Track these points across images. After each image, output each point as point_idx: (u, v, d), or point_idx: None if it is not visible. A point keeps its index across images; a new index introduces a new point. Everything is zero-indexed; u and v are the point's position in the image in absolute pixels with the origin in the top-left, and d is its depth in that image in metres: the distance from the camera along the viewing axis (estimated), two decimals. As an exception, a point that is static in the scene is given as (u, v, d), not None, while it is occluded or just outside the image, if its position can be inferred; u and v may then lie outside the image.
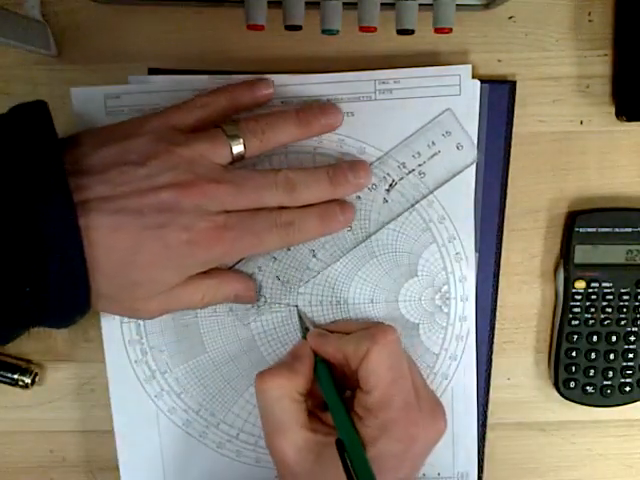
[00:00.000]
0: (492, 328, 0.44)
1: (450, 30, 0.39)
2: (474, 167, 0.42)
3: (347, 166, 0.41)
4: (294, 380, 0.39)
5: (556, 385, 0.45)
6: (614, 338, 0.44)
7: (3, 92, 0.43)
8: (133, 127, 0.38)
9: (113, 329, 0.43)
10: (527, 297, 0.46)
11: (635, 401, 0.45)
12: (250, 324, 0.43)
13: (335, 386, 0.39)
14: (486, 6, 0.42)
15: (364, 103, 0.42)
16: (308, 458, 0.38)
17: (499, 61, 0.44)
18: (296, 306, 0.43)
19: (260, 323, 0.43)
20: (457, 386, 0.44)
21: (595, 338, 0.44)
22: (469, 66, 0.41)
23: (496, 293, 0.44)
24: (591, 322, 0.44)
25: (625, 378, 0.45)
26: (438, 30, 0.39)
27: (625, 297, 0.44)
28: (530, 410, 0.46)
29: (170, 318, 0.43)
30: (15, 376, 0.44)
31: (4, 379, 0.44)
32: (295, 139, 0.40)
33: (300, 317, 0.43)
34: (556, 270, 0.45)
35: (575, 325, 0.44)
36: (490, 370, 0.45)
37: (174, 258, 0.36)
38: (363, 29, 0.39)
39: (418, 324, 0.43)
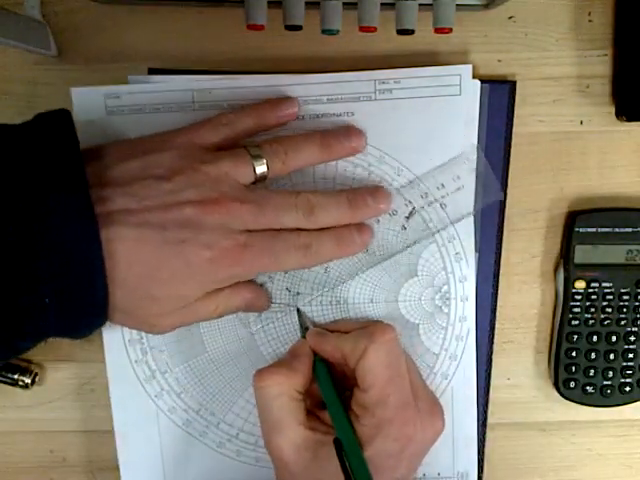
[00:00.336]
0: (492, 328, 0.44)
1: (450, 30, 0.39)
2: (474, 167, 0.42)
3: (367, 191, 0.41)
4: (293, 378, 0.39)
5: (556, 385, 0.45)
6: (614, 338, 0.44)
7: (3, 92, 0.43)
8: (158, 142, 0.38)
9: (113, 329, 0.43)
10: (527, 297, 0.46)
11: (635, 401, 0.45)
12: (250, 324, 0.43)
13: (334, 385, 0.40)
14: (486, 6, 0.42)
15: (364, 103, 0.42)
16: (306, 456, 0.38)
17: (499, 61, 0.44)
18: (296, 306, 0.43)
19: (260, 323, 0.43)
20: (457, 386, 0.44)
21: (595, 338, 0.44)
22: (470, 66, 0.41)
23: (496, 293, 0.44)
24: (591, 322, 0.44)
25: (625, 378, 0.45)
26: (438, 30, 0.39)
27: (625, 297, 0.44)
28: (530, 410, 0.46)
29: (170, 318, 0.43)
30: (15, 376, 0.44)
31: (4, 379, 0.44)
32: (317, 162, 0.41)
33: (300, 317, 0.43)
34: (556, 270, 0.45)
35: (575, 325, 0.44)
36: (490, 370, 0.45)
37: (194, 275, 0.36)
38: (363, 29, 0.39)
39: (418, 324, 0.43)
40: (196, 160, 0.37)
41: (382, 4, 0.38)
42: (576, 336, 0.44)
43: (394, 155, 0.42)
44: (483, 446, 0.45)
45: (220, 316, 0.40)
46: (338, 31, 0.39)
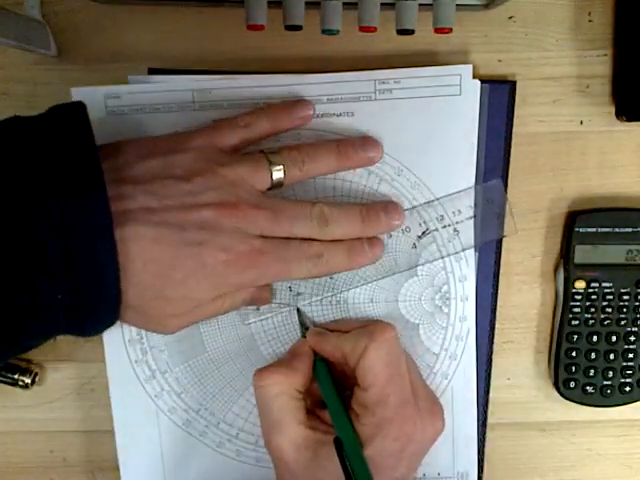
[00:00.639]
0: (492, 328, 0.44)
1: (450, 30, 0.39)
2: (474, 167, 0.42)
3: (381, 206, 0.41)
4: (292, 377, 0.39)
5: (556, 385, 0.45)
6: (614, 338, 0.44)
7: (3, 92, 0.43)
8: (177, 142, 0.38)
9: (113, 329, 0.42)
10: (527, 297, 0.46)
11: (635, 401, 0.45)
12: (250, 324, 0.43)
13: (334, 385, 0.40)
14: (486, 6, 0.42)
15: (364, 103, 0.42)
16: (306, 456, 0.38)
17: (499, 61, 0.44)
18: (296, 306, 0.43)
19: (260, 323, 0.43)
20: (457, 386, 0.44)
21: (595, 338, 0.44)
22: (470, 66, 0.41)
23: (496, 293, 0.44)
24: (591, 322, 0.44)
25: (625, 378, 0.45)
26: (438, 30, 0.39)
27: (625, 297, 0.44)
28: (530, 410, 0.46)
29: (170, 318, 0.43)
30: (15, 376, 0.44)
31: (4, 379, 0.44)
32: (333, 170, 0.41)
33: (300, 316, 0.43)
34: (556, 270, 0.45)
35: (575, 325, 0.44)
36: (490, 370, 0.45)
37: (208, 276, 0.36)
38: (363, 29, 0.39)
39: (418, 324, 0.43)
40: (215, 162, 0.37)
41: (382, 4, 0.38)
42: (576, 336, 0.44)
43: (394, 155, 0.42)
44: (483, 446, 0.45)
45: (225, 312, 0.40)
46: (338, 31, 0.39)
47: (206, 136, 0.38)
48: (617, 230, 0.43)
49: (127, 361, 0.43)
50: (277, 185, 0.39)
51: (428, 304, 0.43)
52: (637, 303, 0.44)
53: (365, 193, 0.42)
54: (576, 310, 0.44)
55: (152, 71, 0.43)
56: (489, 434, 0.45)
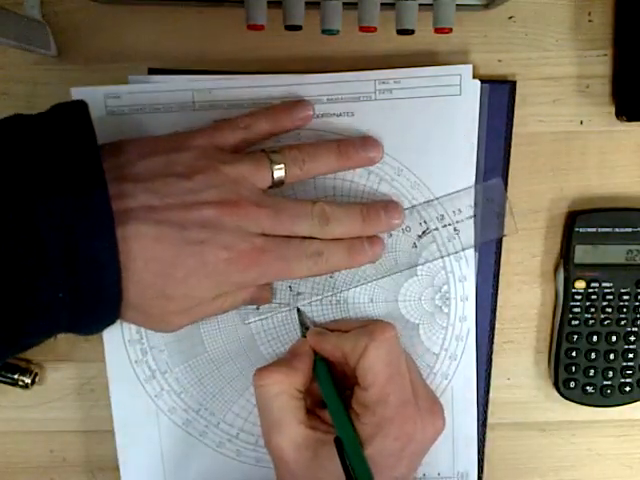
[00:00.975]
0: (492, 328, 0.44)
1: (450, 30, 0.39)
2: (474, 167, 0.42)
3: (381, 206, 0.41)
4: (292, 377, 0.39)
5: (556, 385, 0.45)
6: (614, 338, 0.44)
7: (3, 92, 0.43)
8: (178, 141, 0.38)
9: (113, 329, 0.42)
10: (527, 297, 0.46)
11: (635, 401, 0.45)
12: (250, 324, 0.43)
13: (334, 385, 0.40)
14: (486, 6, 0.42)
15: (364, 103, 0.42)
16: (306, 455, 0.38)
17: (499, 61, 0.44)
18: (296, 306, 0.43)
19: (260, 322, 0.43)
20: (457, 386, 0.44)
21: (595, 338, 0.44)
22: (470, 66, 0.41)
23: (496, 293, 0.44)
24: (591, 322, 0.44)
25: (625, 378, 0.45)
26: (438, 30, 0.39)
27: (625, 297, 0.44)
28: (530, 410, 0.46)
29: (170, 318, 0.43)
30: (15, 376, 0.44)
31: (4, 379, 0.44)
32: (334, 170, 0.41)
33: (300, 316, 0.43)
34: (556, 270, 0.45)
35: (575, 325, 0.44)
36: (490, 370, 0.45)
37: (209, 275, 0.36)
38: (363, 29, 0.39)
39: (418, 324, 0.43)
40: (216, 160, 0.37)
41: (382, 4, 0.38)
42: (576, 336, 0.44)
43: (394, 155, 0.42)
44: (483, 446, 0.45)
45: (226, 311, 0.41)
46: (338, 31, 0.39)
47: (207, 136, 0.39)
48: (617, 230, 0.43)
49: (127, 361, 0.43)
50: (278, 184, 0.39)
51: (428, 304, 0.43)
52: (637, 303, 0.44)
53: (365, 193, 0.42)
54: (576, 310, 0.44)
55: (152, 71, 0.43)
56: (489, 434, 0.45)
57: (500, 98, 0.43)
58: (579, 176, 0.45)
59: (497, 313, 0.44)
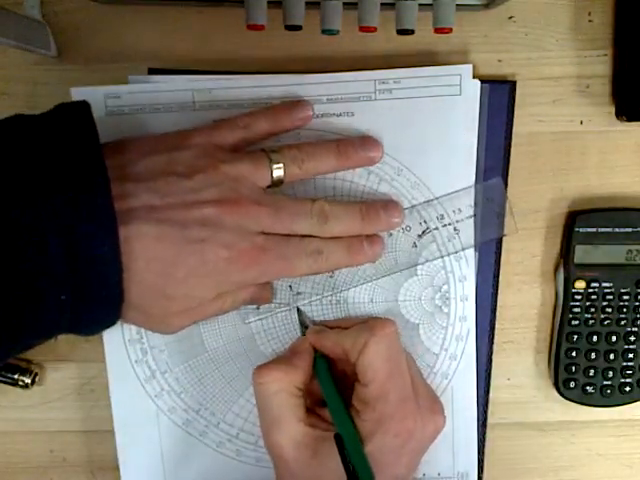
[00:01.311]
0: (492, 328, 0.44)
1: (450, 30, 0.39)
2: (474, 167, 0.42)
3: (381, 205, 0.41)
4: (292, 374, 0.39)
5: (556, 385, 0.45)
6: (614, 338, 0.44)
7: (3, 92, 0.43)
8: (178, 140, 0.38)
9: (113, 329, 0.42)
10: (527, 297, 0.46)
11: (635, 401, 0.45)
12: (250, 323, 0.43)
13: (334, 382, 0.40)
14: (486, 6, 0.42)
15: (364, 103, 0.42)
16: (306, 453, 0.38)
17: (499, 61, 0.44)
18: (296, 306, 0.43)
19: (260, 322, 0.43)
20: (457, 386, 0.44)
21: (595, 338, 0.44)
22: (470, 66, 0.41)
23: (496, 293, 0.44)
24: (591, 322, 0.44)
25: (625, 378, 0.45)
26: (438, 30, 0.39)
27: (625, 297, 0.44)
28: (530, 410, 0.46)
29: (170, 318, 0.43)
30: (15, 376, 0.44)
31: (4, 379, 0.44)
32: (333, 170, 0.41)
33: (300, 316, 0.43)
34: (556, 270, 0.45)
35: (575, 325, 0.44)
36: (490, 370, 0.45)
37: (210, 274, 0.37)
38: (363, 29, 0.39)
39: (418, 324, 0.43)
40: (216, 159, 0.37)
41: (382, 4, 0.38)
42: (576, 336, 0.44)
43: (394, 155, 0.42)
44: (483, 446, 0.45)
45: (227, 311, 0.41)
46: (338, 31, 0.39)
47: (205, 135, 0.39)
48: (617, 230, 0.43)
49: (127, 361, 0.43)
50: (277, 183, 0.39)
51: (428, 304, 0.43)
52: (637, 303, 0.44)
53: (365, 193, 0.42)
54: (576, 310, 0.44)
55: (152, 71, 0.43)
56: (489, 434, 0.45)
57: (500, 98, 0.43)
58: (579, 176, 0.45)
59: (497, 313, 0.44)
